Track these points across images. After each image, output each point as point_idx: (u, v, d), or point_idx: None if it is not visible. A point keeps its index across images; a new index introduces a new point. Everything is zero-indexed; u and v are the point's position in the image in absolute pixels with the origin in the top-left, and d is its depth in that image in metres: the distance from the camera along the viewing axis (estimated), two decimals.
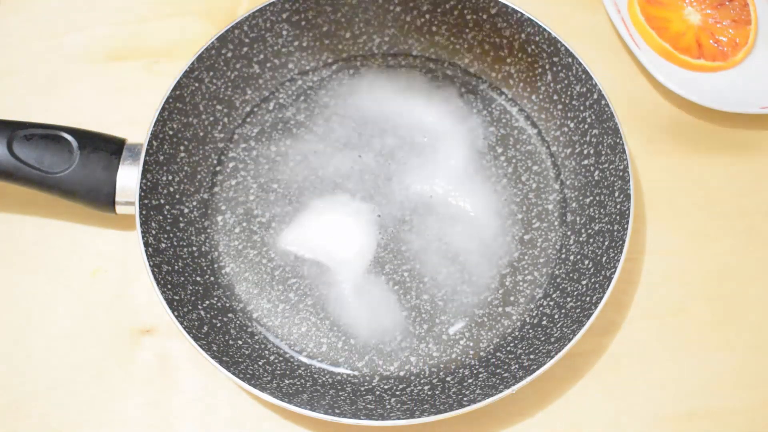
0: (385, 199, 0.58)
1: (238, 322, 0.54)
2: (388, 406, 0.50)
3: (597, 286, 0.52)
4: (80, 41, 0.65)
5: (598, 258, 0.54)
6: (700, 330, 0.56)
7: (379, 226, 0.57)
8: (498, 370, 0.52)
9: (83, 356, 0.54)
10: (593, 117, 0.57)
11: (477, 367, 0.53)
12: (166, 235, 0.54)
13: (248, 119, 0.61)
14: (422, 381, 0.53)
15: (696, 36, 0.63)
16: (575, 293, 0.54)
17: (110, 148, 0.55)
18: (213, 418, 0.53)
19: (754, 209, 0.60)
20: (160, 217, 0.55)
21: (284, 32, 0.61)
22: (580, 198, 0.57)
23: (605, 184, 0.56)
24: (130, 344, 0.55)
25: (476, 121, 0.61)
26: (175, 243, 0.55)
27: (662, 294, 0.57)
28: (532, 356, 0.51)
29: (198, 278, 0.55)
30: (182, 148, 0.57)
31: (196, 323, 0.52)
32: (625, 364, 0.55)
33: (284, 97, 0.62)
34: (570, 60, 0.58)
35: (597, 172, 0.57)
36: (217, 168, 0.59)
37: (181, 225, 0.56)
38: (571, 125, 0.59)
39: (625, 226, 0.53)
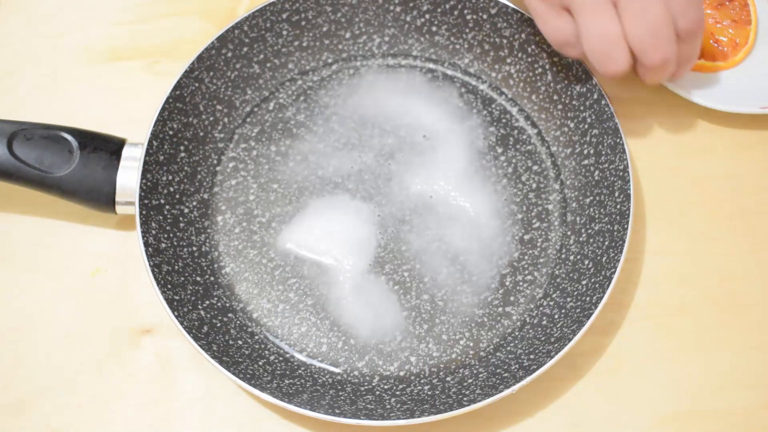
0: (385, 199, 0.58)
1: (238, 322, 0.54)
2: (388, 406, 0.50)
3: (597, 286, 0.52)
4: (80, 41, 0.65)
5: (598, 258, 0.54)
6: (700, 330, 0.56)
7: (379, 226, 0.57)
8: (498, 370, 0.52)
9: (83, 356, 0.54)
10: (593, 117, 0.57)
11: (477, 367, 0.53)
12: (166, 235, 0.54)
13: (248, 119, 0.61)
14: (422, 381, 0.53)
15: None
16: (575, 293, 0.54)
17: (110, 148, 0.55)
18: (213, 418, 0.53)
19: (754, 209, 0.60)
20: (160, 217, 0.55)
21: (284, 32, 0.61)
22: (580, 198, 0.57)
23: (605, 184, 0.56)
24: (130, 344, 0.55)
25: (476, 121, 0.61)
26: (175, 243, 0.55)
27: (662, 294, 0.57)
28: (532, 356, 0.51)
29: (198, 278, 0.55)
30: (182, 148, 0.57)
31: (196, 323, 0.52)
32: (625, 364, 0.55)
33: (284, 97, 0.62)
34: (570, 60, 0.58)
35: (597, 172, 0.57)
36: (217, 168, 0.59)
37: (181, 225, 0.56)
38: (571, 125, 0.59)
39: (625, 226, 0.53)
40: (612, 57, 0.51)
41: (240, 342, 0.53)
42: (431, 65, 0.63)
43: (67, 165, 0.53)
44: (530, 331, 0.54)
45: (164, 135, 0.56)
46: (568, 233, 0.57)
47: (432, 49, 0.63)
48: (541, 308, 0.55)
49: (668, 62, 0.51)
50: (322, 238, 0.57)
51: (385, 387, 0.52)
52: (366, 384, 0.53)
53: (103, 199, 0.54)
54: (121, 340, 0.55)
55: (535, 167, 0.59)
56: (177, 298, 0.52)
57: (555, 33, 0.53)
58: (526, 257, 0.56)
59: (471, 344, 0.54)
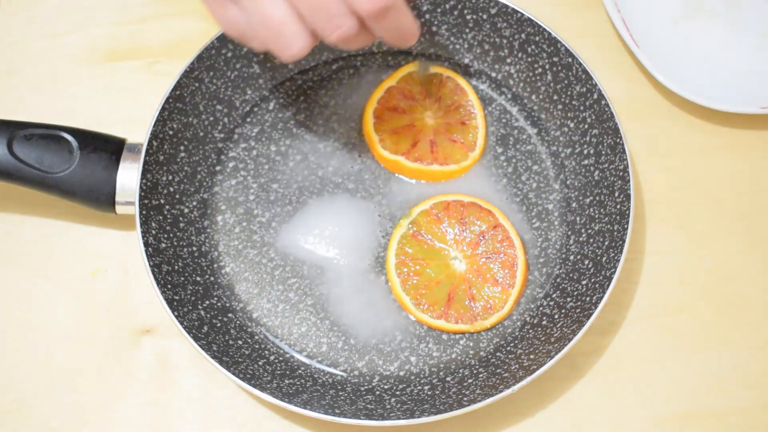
0: (385, 199, 0.58)
1: (238, 322, 0.54)
2: (388, 406, 0.50)
3: (597, 286, 0.52)
4: (80, 41, 0.65)
5: (598, 258, 0.54)
6: (700, 330, 0.56)
7: (379, 225, 0.57)
8: (498, 370, 0.52)
9: (83, 356, 0.54)
10: (593, 117, 0.57)
11: (477, 367, 0.53)
12: (166, 235, 0.54)
13: (248, 119, 0.61)
14: (422, 381, 0.53)
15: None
16: (575, 293, 0.54)
17: (110, 148, 0.55)
18: (213, 418, 0.53)
19: (754, 209, 0.60)
20: (160, 217, 0.55)
21: None
22: (580, 198, 0.57)
23: (605, 184, 0.56)
24: (130, 344, 0.55)
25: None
26: (175, 243, 0.55)
27: (662, 294, 0.57)
28: (532, 356, 0.51)
29: (198, 278, 0.55)
30: (182, 148, 0.57)
31: (196, 323, 0.52)
32: (625, 364, 0.55)
33: (284, 96, 0.62)
34: (570, 60, 0.58)
35: (597, 172, 0.57)
36: (217, 168, 0.59)
37: (181, 225, 0.56)
38: (571, 125, 0.59)
39: (625, 226, 0.53)
40: (284, 42, 0.46)
41: (240, 342, 0.53)
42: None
43: (67, 165, 0.53)
44: (530, 331, 0.54)
45: (164, 135, 0.56)
46: (568, 233, 0.57)
47: (432, 49, 0.63)
48: (541, 308, 0.55)
49: (350, 37, 0.45)
50: (322, 238, 0.57)
51: (385, 387, 0.52)
52: (366, 384, 0.53)
53: (103, 199, 0.54)
54: (121, 340, 0.55)
55: (535, 167, 0.59)
56: (177, 298, 0.52)
57: (226, 26, 0.49)
58: (525, 257, 0.56)
59: (471, 344, 0.54)
